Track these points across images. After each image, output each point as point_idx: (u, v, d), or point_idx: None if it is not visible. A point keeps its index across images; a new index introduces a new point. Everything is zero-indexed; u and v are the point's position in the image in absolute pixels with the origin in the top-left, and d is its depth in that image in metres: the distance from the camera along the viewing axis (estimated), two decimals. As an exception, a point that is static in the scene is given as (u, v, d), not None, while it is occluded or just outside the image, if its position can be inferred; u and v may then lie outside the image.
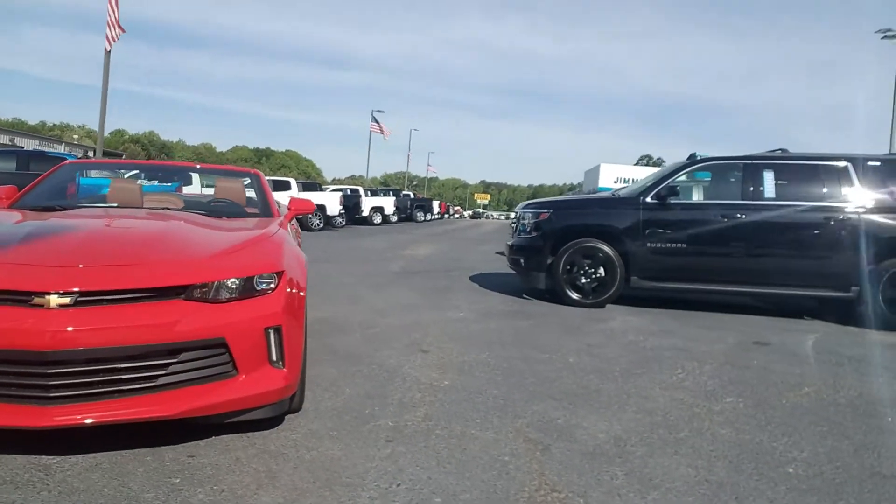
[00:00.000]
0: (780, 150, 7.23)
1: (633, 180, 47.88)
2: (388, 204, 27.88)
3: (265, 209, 4.03)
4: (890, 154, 7.15)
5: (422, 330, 5.25)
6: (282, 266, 2.73)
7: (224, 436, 2.72)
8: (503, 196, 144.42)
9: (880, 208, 6.58)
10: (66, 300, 2.28)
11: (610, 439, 2.97)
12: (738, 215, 6.73)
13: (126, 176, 7.80)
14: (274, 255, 2.81)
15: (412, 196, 36.60)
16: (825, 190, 6.73)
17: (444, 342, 4.86)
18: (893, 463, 2.86)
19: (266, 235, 3.07)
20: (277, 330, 2.61)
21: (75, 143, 49.65)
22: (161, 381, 2.40)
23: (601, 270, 6.93)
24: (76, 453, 2.48)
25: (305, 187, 22.42)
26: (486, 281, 9.02)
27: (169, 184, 8.59)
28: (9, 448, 2.47)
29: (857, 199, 6.61)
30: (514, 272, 7.94)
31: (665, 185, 6.94)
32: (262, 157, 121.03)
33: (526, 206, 7.56)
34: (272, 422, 2.86)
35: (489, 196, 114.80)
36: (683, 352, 4.98)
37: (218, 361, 2.50)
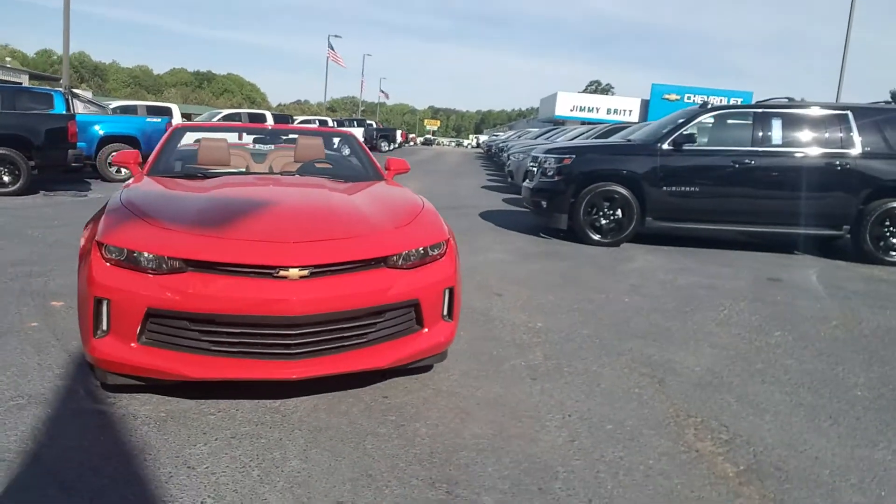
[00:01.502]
0: (786, 98, 7.78)
1: (589, 108, 48.33)
2: (358, 135, 27.69)
3: (374, 170, 4.34)
4: (887, 102, 7.78)
5: (479, 273, 5.71)
6: (447, 234, 3.12)
7: (398, 379, 3.16)
8: (452, 122, 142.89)
9: (873, 154, 7.26)
10: (306, 272, 2.63)
11: (706, 372, 3.55)
12: (748, 161, 7.32)
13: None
14: (440, 225, 3.18)
15: (375, 126, 36.28)
16: (827, 136, 7.36)
17: (507, 285, 5.34)
18: (931, 384, 3.54)
19: (422, 204, 3.41)
20: (451, 290, 3.03)
21: (8, 66, 46.45)
22: (370, 337, 2.80)
23: (619, 212, 7.48)
24: (288, 397, 2.89)
25: (252, 118, 20.96)
26: (497, 219, 9.48)
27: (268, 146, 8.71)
28: (231, 394, 2.86)
29: (855, 146, 7.27)
30: (523, 210, 8.39)
31: (680, 132, 7.44)
32: (203, 80, 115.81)
33: (549, 152, 7.96)
34: (426, 367, 3.31)
35: (439, 122, 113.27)
36: (713, 290, 5.61)
37: (409, 318, 2.91)
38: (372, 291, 2.72)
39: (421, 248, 2.93)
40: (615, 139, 8.63)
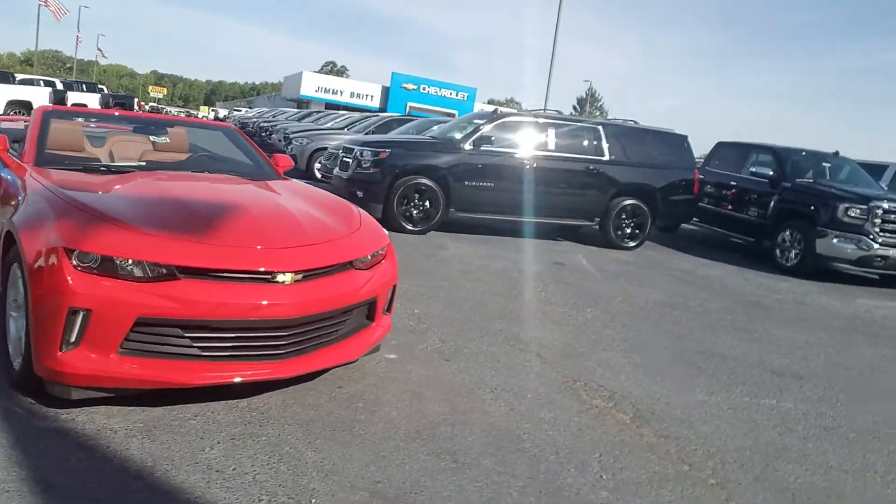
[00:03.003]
0: (555, 111, 9.27)
1: (333, 91, 48.62)
2: (94, 101, 24.29)
3: (269, 168, 4.34)
4: (626, 120, 9.72)
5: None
6: (387, 237, 3.47)
7: (339, 371, 3.43)
8: (179, 90, 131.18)
9: (617, 161, 9.08)
10: (299, 277, 2.78)
11: (564, 345, 4.43)
12: (530, 163, 8.61)
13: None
14: (380, 228, 3.50)
15: (109, 93, 32.10)
16: (585, 145, 8.99)
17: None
18: (714, 341, 4.90)
19: (356, 208, 3.65)
20: (394, 287, 3.40)
21: None
22: (339, 333, 3.06)
23: (427, 203, 8.24)
24: (247, 397, 3.00)
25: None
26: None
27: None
28: (192, 398, 2.88)
29: (604, 154, 9.02)
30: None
31: (479, 134, 8.45)
32: None
33: (364, 145, 8.36)
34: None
35: (165, 90, 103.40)
36: (524, 273, 6.69)
37: (364, 314, 3.22)
38: (347, 292, 2.98)
39: (377, 251, 3.25)
40: (424, 136, 9.35)
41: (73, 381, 2.54)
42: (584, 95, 64.49)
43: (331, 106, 39.97)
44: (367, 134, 12.49)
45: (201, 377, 2.62)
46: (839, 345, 5.33)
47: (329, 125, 16.22)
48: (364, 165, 8.18)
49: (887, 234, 8.15)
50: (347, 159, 8.53)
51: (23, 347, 2.67)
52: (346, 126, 15.17)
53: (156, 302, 2.52)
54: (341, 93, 47.02)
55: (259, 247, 2.81)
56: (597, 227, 9.13)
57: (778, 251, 8.96)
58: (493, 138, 8.50)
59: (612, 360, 4.21)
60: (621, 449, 2.96)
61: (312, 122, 17.99)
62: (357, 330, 3.18)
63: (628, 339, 4.73)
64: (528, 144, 8.72)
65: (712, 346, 4.81)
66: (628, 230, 9.22)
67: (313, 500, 2.28)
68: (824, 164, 9.95)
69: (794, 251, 8.73)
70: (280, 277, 2.74)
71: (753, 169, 9.66)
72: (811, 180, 9.37)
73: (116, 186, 3.25)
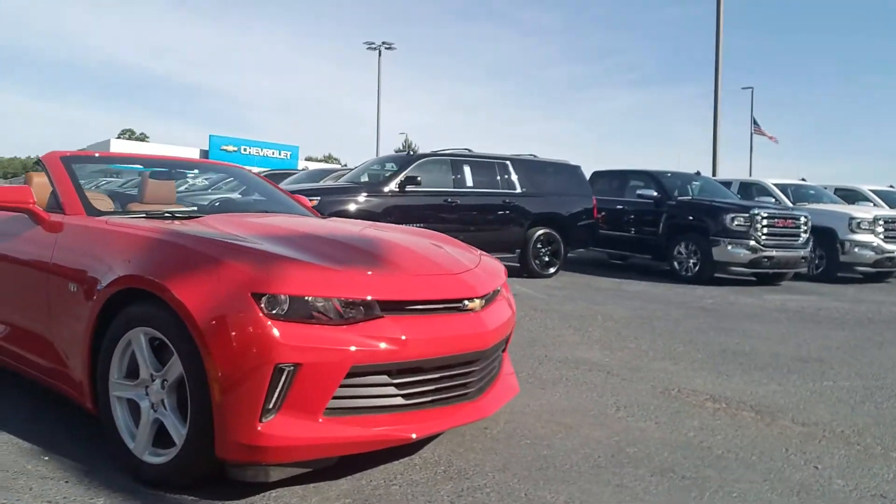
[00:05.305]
0: (465, 149, 9.39)
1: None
2: None
3: (301, 206, 3.83)
4: (529, 155, 10.08)
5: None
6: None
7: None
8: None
9: (528, 193, 9.38)
10: (484, 302, 2.43)
11: (614, 361, 4.38)
12: (452, 200, 8.60)
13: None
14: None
15: None
16: (499, 179, 9.19)
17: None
18: (720, 340, 5.12)
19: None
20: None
21: None
22: (499, 364, 2.73)
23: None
24: (410, 451, 2.56)
25: None
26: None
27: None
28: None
29: (516, 188, 9.28)
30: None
31: (403, 176, 8.28)
32: None
33: (295, 193, 7.75)
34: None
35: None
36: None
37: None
38: (507, 320, 2.70)
39: (504, 280, 2.97)
40: (348, 183, 8.92)
41: (277, 456, 2.02)
42: (402, 146, 66.67)
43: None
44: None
45: (416, 429, 2.19)
46: (809, 332, 5.85)
47: (183, 188, 14.90)
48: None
49: (768, 237, 9.27)
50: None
51: (181, 432, 2.12)
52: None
53: (367, 345, 2.06)
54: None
55: (447, 274, 2.45)
56: (517, 258, 9.29)
57: (676, 263, 9.77)
58: (417, 178, 8.37)
59: (669, 368, 4.24)
60: (790, 441, 2.94)
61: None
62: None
63: (656, 349, 4.80)
64: (449, 183, 8.72)
65: (723, 345, 5.05)
66: (546, 258, 9.50)
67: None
68: (693, 182, 11.15)
69: (692, 261, 9.58)
70: (469, 304, 2.39)
71: (639, 192, 10.52)
72: (690, 197, 10.43)
73: (240, 228, 2.70)
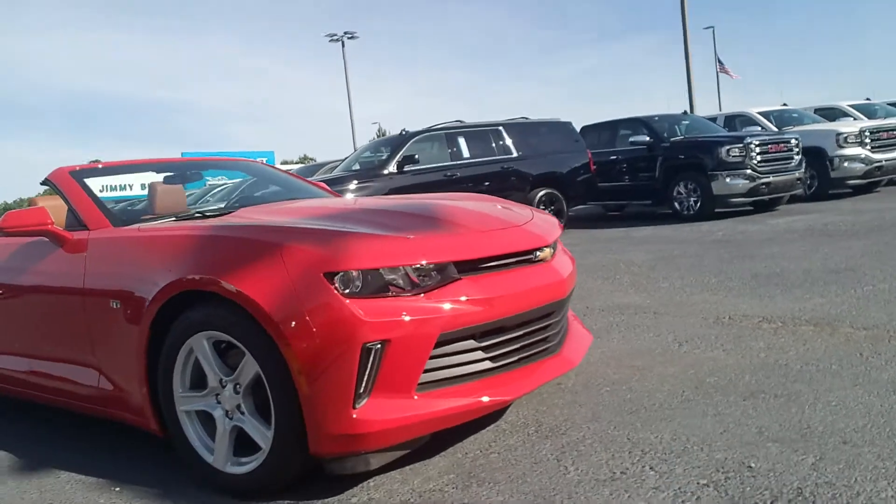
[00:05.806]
0: (457, 121, 9.35)
1: (122, 187, 44.79)
2: None
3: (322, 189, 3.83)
4: (521, 118, 10.05)
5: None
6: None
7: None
8: None
9: (525, 156, 9.38)
10: (552, 251, 2.45)
11: (655, 301, 4.44)
12: (452, 173, 8.59)
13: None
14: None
15: None
16: (494, 146, 9.18)
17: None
18: (750, 266, 5.19)
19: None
20: None
21: None
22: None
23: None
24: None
25: None
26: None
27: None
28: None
29: (513, 152, 9.28)
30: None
31: (398, 157, 8.25)
32: None
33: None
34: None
35: None
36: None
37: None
38: (573, 270, 2.70)
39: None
40: (347, 171, 8.86)
41: (376, 442, 1.99)
42: (377, 135, 66.28)
43: (123, 202, 36.42)
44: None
45: (510, 391, 2.19)
46: (828, 247, 5.93)
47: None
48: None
49: (764, 164, 9.35)
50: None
51: (266, 435, 2.06)
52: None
53: (451, 311, 2.05)
54: (130, 187, 43.12)
55: (511, 226, 2.45)
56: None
57: (677, 204, 9.85)
58: (415, 157, 8.34)
59: (710, 299, 4.30)
60: (861, 346, 3.02)
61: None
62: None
63: (691, 284, 4.86)
64: (446, 157, 8.70)
65: (753, 270, 5.12)
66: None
67: (752, 464, 2.01)
68: (682, 122, 11.19)
69: (692, 199, 9.65)
70: (540, 255, 2.41)
71: (631, 139, 10.54)
72: (682, 136, 10.48)
73: (282, 214, 2.69)
